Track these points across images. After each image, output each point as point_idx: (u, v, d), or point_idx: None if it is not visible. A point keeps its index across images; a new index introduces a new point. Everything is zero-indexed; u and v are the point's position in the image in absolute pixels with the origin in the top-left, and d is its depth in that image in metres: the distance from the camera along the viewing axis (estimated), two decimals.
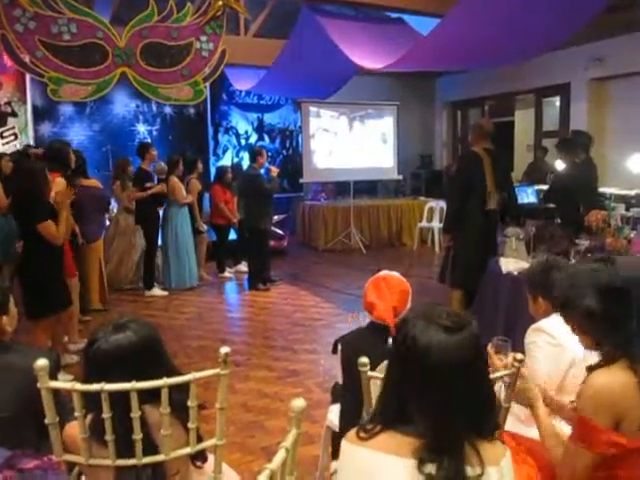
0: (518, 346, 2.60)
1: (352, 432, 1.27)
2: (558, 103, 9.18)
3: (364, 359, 1.65)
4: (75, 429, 1.51)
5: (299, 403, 1.36)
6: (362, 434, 1.23)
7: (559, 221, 4.98)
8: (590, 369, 1.56)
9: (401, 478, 1.17)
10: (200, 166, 7.30)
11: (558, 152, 5.58)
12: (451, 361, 1.17)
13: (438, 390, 1.18)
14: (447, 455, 1.15)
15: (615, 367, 1.50)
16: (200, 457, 1.65)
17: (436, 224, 8.99)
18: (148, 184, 6.36)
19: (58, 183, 4.22)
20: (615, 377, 1.48)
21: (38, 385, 1.49)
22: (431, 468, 1.15)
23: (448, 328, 1.19)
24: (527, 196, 5.89)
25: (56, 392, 1.53)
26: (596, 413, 1.47)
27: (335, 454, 2.39)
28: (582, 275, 1.63)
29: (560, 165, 5.87)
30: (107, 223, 6.51)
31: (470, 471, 1.16)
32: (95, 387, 1.44)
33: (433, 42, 5.37)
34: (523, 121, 10.83)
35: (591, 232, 4.03)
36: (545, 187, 6.36)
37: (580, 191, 5.16)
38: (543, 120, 9.57)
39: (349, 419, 1.97)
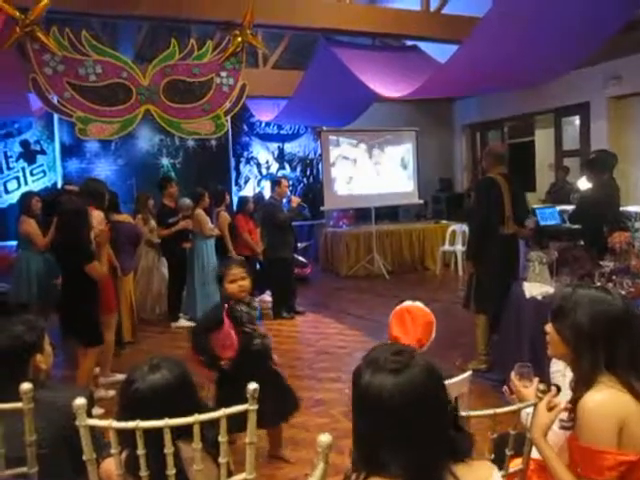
0: (544, 372, 2.60)
1: None
2: (578, 122, 9.16)
3: None
4: (111, 465, 1.57)
5: (325, 438, 1.39)
6: None
7: (582, 243, 4.94)
8: (576, 398, 1.63)
9: None
10: (227, 198, 7.43)
11: (586, 172, 5.45)
12: (407, 399, 1.19)
13: (402, 429, 1.19)
14: None
15: (598, 387, 1.60)
16: None
17: (459, 247, 8.95)
18: (171, 220, 6.48)
19: (96, 216, 4.38)
20: (604, 392, 1.58)
21: (75, 422, 1.55)
22: None
23: (395, 370, 1.22)
24: (550, 217, 5.83)
25: (91, 428, 1.59)
26: (605, 427, 1.52)
27: None
28: (589, 295, 1.70)
29: (583, 185, 5.80)
30: None
31: None
32: (130, 425, 1.50)
33: (452, 69, 5.43)
34: (543, 140, 10.80)
35: (615, 254, 3.99)
36: (568, 207, 6.30)
37: (605, 212, 5.11)
38: (563, 139, 9.55)
39: None
